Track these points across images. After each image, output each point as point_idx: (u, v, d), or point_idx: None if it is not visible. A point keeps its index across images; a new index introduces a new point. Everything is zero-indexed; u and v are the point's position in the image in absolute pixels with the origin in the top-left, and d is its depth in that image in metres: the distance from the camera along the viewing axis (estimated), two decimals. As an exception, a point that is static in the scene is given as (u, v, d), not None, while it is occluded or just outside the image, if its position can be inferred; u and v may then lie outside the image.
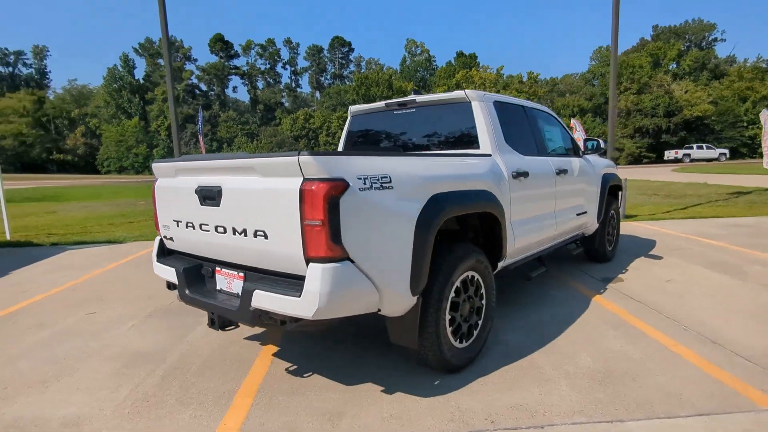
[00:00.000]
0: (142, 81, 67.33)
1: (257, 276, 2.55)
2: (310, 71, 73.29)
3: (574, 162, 4.76)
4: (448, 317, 2.83)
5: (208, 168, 2.70)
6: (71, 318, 4.28)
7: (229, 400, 2.75)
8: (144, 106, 65.02)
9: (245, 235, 2.49)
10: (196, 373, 3.11)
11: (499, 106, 3.78)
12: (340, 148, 4.54)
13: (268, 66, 70.69)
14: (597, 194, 5.20)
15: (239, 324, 2.86)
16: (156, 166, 3.12)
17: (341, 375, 3.01)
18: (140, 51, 67.54)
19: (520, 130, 4.08)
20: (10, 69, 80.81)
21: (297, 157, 2.18)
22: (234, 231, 2.55)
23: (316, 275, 2.19)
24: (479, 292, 3.14)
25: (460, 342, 2.97)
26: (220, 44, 67.22)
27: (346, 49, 72.98)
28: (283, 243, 2.30)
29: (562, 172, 4.34)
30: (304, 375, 3.04)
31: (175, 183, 2.95)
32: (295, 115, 59.55)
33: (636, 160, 44.90)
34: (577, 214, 4.77)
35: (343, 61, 73.71)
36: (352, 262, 2.28)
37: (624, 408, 2.51)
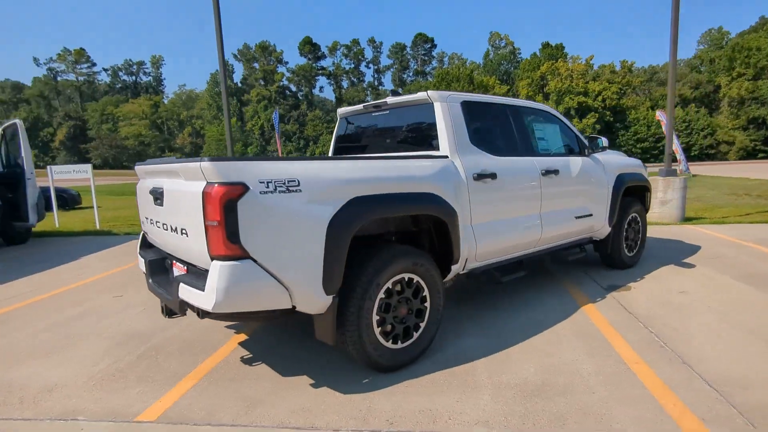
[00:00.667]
0: (239, 84, 72.69)
1: (195, 269, 2.81)
2: (392, 69, 74.21)
3: (573, 162, 4.48)
4: (376, 318, 2.89)
5: (155, 171, 3.02)
6: (101, 300, 4.92)
7: (177, 381, 3.05)
8: (240, 107, 70.13)
9: (177, 233, 2.76)
10: (168, 354, 3.47)
11: (468, 107, 3.70)
12: (330, 150, 4.71)
13: (352, 66, 72.76)
14: (607, 196, 4.84)
15: (184, 313, 3.14)
16: (136, 169, 3.52)
17: (285, 367, 3.19)
18: (238, 56, 72.84)
19: (496, 131, 3.96)
20: (134, 78, 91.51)
21: (199, 163, 2.39)
22: (173, 228, 2.83)
23: (215, 272, 2.39)
24: (421, 295, 3.15)
25: (394, 343, 3.01)
26: (309, 47, 70.39)
27: (429, 46, 72.79)
28: (197, 241, 2.53)
29: (551, 172, 4.12)
30: (253, 364, 3.27)
31: (142, 184, 3.32)
32: (377, 112, 60.55)
33: (749, 154, 39.76)
34: (577, 217, 4.49)
35: (426, 58, 73.62)
36: (254, 261, 2.44)
37: (532, 423, 2.41)
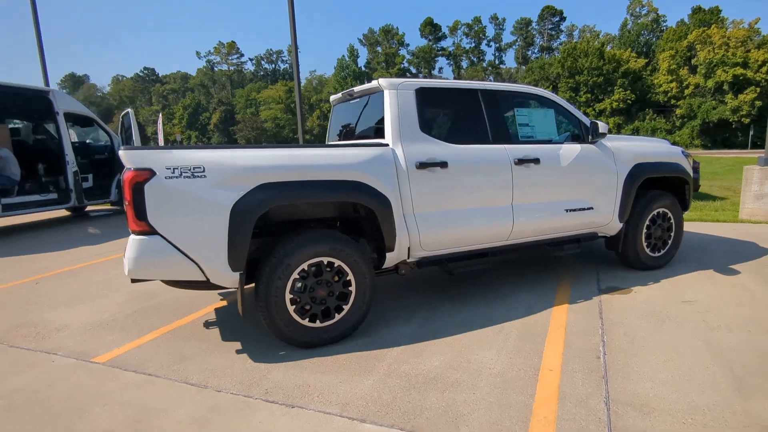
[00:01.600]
0: (363, 68, 75.42)
1: None
2: (516, 46, 70.50)
3: (566, 150, 4.09)
4: (289, 296, 3.10)
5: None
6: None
7: (144, 334, 3.61)
8: (362, 91, 72.74)
9: (129, 210, 3.25)
10: (158, 311, 4.08)
11: (424, 94, 3.63)
12: (327, 137, 4.93)
13: (473, 45, 70.73)
14: (616, 188, 4.31)
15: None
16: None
17: (230, 333, 3.57)
18: (363, 41, 75.39)
19: (458, 118, 3.81)
20: (273, 65, 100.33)
21: (119, 150, 2.82)
22: (131, 206, 3.34)
23: (129, 244, 2.82)
24: (344, 279, 3.26)
25: (311, 321, 3.19)
26: (430, 27, 70.01)
27: (557, 19, 67.45)
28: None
29: (528, 161, 3.84)
30: (210, 328, 3.71)
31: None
32: (494, 92, 58.47)
33: None
34: (570, 210, 4.11)
35: (553, 32, 68.43)
36: (162, 236, 2.82)
37: (387, 410, 2.44)
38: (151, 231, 2.80)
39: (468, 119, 3.85)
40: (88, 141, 10.60)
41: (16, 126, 9.89)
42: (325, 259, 3.19)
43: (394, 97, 3.52)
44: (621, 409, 2.37)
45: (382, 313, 3.84)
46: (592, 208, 4.23)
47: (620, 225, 4.44)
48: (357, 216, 3.57)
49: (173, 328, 3.70)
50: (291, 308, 3.12)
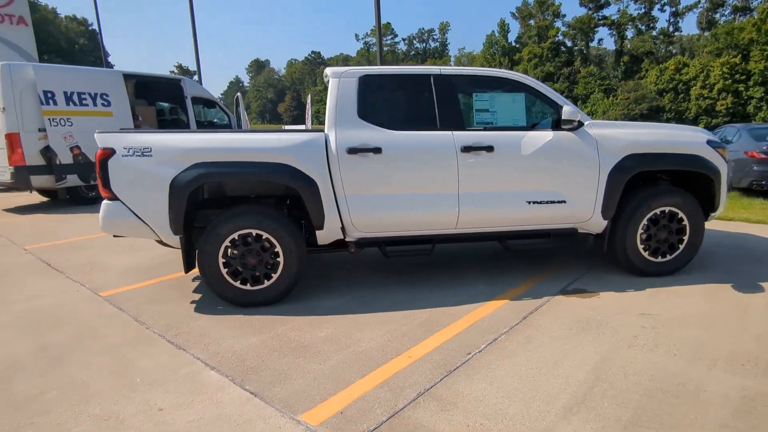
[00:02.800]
0: (513, 43, 71.98)
1: None
2: (700, 8, 59.69)
3: (530, 137, 3.79)
4: (222, 260, 3.62)
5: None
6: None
7: (150, 279, 4.52)
8: (511, 66, 69.65)
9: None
10: (174, 264, 4.99)
11: (368, 81, 3.75)
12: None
13: (642, 10, 61.95)
14: (596, 180, 3.84)
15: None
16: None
17: (202, 288, 4.25)
18: (516, 14, 71.69)
19: (402, 104, 3.84)
20: (424, 44, 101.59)
21: (95, 133, 3.60)
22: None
23: (101, 206, 3.62)
24: (273, 251, 3.66)
25: (243, 284, 3.68)
26: (592, -7, 63.23)
27: (763, -30, 54.90)
28: (111, 185, 3.79)
29: (479, 149, 3.70)
30: (194, 281, 4.45)
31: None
32: (664, 65, 50.89)
33: None
34: (533, 202, 3.83)
35: (754, -13, 56.00)
36: (122, 202, 3.56)
37: (237, 365, 2.82)
38: (113, 197, 3.55)
39: (414, 105, 3.85)
40: (214, 120, 12.52)
41: (161, 107, 12.18)
42: (254, 231, 3.62)
43: (335, 86, 3.73)
44: (428, 401, 2.38)
45: (330, 285, 4.16)
46: (564, 201, 3.88)
47: (604, 222, 3.98)
48: (297, 195, 3.90)
49: (170, 278, 4.54)
50: (224, 271, 3.64)
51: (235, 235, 3.60)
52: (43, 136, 8.60)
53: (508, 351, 2.88)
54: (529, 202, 3.85)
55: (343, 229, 3.78)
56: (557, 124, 3.85)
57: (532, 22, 69.92)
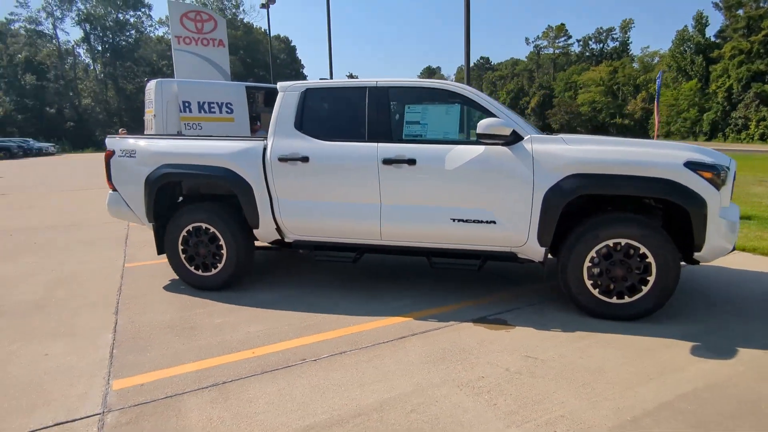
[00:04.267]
0: (712, 38, 61.18)
1: None
2: None
3: (457, 151, 3.54)
4: (181, 247, 4.27)
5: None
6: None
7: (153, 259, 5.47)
8: (707, 65, 59.37)
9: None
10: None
11: (309, 94, 3.97)
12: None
13: None
14: (529, 201, 3.39)
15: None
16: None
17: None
18: (719, 4, 60.84)
19: (335, 116, 3.96)
20: (601, 45, 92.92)
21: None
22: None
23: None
24: (217, 243, 4.16)
25: (197, 270, 4.27)
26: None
27: None
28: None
29: (400, 161, 3.62)
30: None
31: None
32: None
33: None
34: (458, 220, 3.58)
35: None
36: (119, 193, 4.46)
37: (127, 333, 3.38)
38: (114, 189, 4.48)
39: (348, 117, 3.94)
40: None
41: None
42: (203, 225, 4.16)
43: (280, 98, 4.05)
44: (211, 392, 2.59)
45: (278, 282, 4.50)
46: (494, 221, 3.54)
47: (541, 250, 3.49)
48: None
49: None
50: (182, 256, 4.28)
51: (190, 227, 4.21)
52: (179, 138, 10.74)
53: (337, 365, 2.87)
54: (454, 220, 3.62)
55: (279, 230, 4.09)
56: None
57: (740, 11, 58.49)
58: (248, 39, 69.48)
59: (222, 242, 4.16)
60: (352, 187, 3.82)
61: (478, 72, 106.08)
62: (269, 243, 4.31)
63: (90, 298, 4.17)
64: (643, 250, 3.30)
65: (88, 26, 63.74)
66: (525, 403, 2.42)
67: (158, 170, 4.19)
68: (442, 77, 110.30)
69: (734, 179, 3.50)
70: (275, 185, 3.96)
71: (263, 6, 30.15)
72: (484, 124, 3.36)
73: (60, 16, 62.81)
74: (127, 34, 61.66)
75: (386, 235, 3.83)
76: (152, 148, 4.29)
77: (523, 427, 2.22)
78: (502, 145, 3.49)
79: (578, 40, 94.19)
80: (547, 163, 3.40)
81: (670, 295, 3.34)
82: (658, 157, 3.28)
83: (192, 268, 4.29)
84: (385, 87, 3.88)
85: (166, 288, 4.39)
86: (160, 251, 4.46)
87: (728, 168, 3.34)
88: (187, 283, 4.36)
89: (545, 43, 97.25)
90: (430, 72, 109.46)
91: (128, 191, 4.37)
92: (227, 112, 11.34)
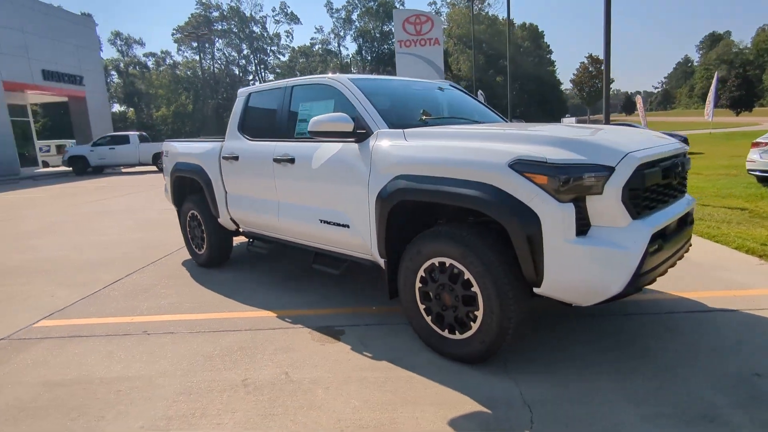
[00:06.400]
0: None
1: None
2: None
3: (321, 149, 3.33)
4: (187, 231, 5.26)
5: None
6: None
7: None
8: None
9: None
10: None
11: (250, 98, 4.35)
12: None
13: None
14: (366, 205, 2.94)
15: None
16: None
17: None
18: None
19: (262, 117, 4.17)
20: None
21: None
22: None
23: (166, 185, 5.94)
24: (201, 228, 4.97)
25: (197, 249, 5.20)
26: None
27: None
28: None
29: (285, 160, 3.66)
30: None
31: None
32: None
33: None
34: (324, 221, 3.40)
35: None
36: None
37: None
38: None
39: (268, 118, 4.09)
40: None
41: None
42: (193, 212, 5.03)
43: (236, 102, 4.53)
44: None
45: (249, 273, 5.01)
46: (348, 225, 3.24)
47: (381, 261, 3.01)
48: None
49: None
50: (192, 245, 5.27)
51: (189, 215, 5.14)
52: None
53: (151, 340, 3.26)
54: (321, 221, 3.46)
55: (233, 221, 4.62)
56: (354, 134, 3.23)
57: None
58: (491, 31, 70.06)
59: (203, 227, 4.93)
60: (259, 183, 4.04)
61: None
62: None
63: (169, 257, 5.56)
64: (467, 275, 2.53)
65: (361, 40, 75.41)
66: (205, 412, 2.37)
67: (175, 166, 5.22)
68: (729, 43, 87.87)
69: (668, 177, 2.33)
70: (224, 181, 4.49)
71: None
72: (313, 121, 3.12)
73: (342, 35, 76.34)
74: (389, 42, 70.19)
75: (283, 231, 3.94)
76: (173, 149, 5.38)
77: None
78: (354, 142, 3.17)
79: None
80: (380, 162, 2.93)
81: (503, 336, 2.46)
82: (482, 154, 2.46)
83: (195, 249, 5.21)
84: (290, 86, 3.93)
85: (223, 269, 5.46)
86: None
87: (609, 167, 2.25)
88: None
89: None
90: (714, 39, 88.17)
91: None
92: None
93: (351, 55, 77.06)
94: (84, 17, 34.65)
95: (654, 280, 2.53)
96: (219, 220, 4.73)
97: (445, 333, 2.73)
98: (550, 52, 70.54)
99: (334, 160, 3.28)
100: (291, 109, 3.90)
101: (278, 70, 77.23)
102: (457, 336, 2.67)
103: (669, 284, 3.77)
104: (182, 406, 2.42)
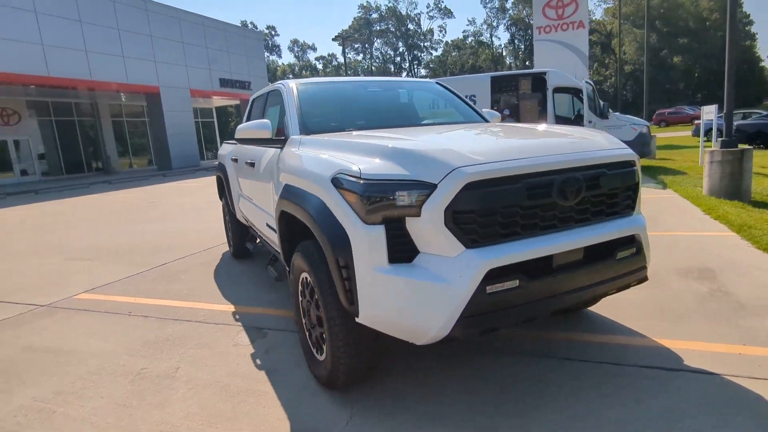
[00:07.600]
0: None
1: None
2: None
3: (268, 154, 3.39)
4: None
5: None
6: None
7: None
8: None
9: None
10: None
11: (254, 101, 4.62)
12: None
13: None
14: (275, 212, 2.90)
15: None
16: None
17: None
18: None
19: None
20: None
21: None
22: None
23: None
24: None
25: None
26: None
27: None
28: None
29: (250, 164, 3.83)
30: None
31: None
32: None
33: None
34: (269, 225, 3.47)
35: None
36: (222, 180, 6.43)
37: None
38: (221, 174, 6.45)
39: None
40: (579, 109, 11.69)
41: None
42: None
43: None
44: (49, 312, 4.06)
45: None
46: (275, 230, 3.25)
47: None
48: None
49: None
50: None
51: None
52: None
53: (112, 318, 3.72)
54: (267, 225, 3.54)
55: (244, 216, 4.97)
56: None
57: None
58: (668, 5, 61.03)
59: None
60: (249, 184, 4.25)
61: None
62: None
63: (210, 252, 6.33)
64: (317, 294, 2.36)
65: (514, 29, 72.32)
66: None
67: (222, 164, 5.82)
68: None
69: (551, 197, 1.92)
70: (236, 179, 4.85)
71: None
72: (238, 128, 3.19)
73: (495, 26, 74.17)
74: (546, 29, 65.97)
75: (257, 229, 4.12)
76: (222, 151, 5.97)
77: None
78: (279, 148, 3.17)
79: None
80: (282, 169, 2.88)
81: (337, 371, 2.23)
82: (320, 165, 2.26)
83: (229, 239, 5.75)
84: (266, 93, 4.10)
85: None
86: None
87: (430, 184, 1.88)
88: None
89: None
90: None
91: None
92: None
93: (503, 45, 74.37)
94: (252, 31, 40.00)
95: (530, 321, 2.04)
96: (237, 215, 5.14)
97: (315, 351, 2.59)
98: (751, 23, 57.90)
99: (267, 165, 3.32)
100: (264, 115, 4.04)
101: (431, 65, 78.42)
102: (319, 356, 2.51)
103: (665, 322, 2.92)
104: (78, 385, 2.76)
